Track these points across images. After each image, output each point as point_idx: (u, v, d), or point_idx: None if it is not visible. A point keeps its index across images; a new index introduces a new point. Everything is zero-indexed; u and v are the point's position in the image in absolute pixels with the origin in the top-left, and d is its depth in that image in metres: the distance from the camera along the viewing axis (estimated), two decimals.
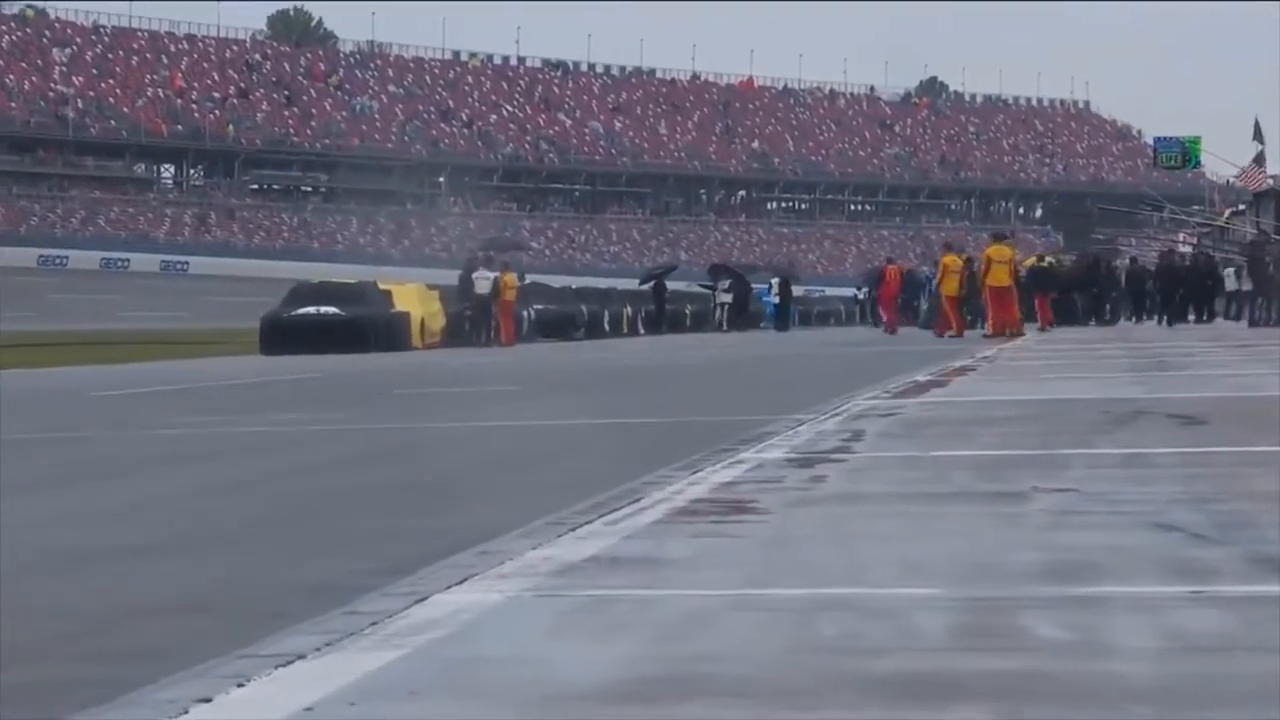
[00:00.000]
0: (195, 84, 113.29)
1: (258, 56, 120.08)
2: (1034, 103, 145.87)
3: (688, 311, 55.58)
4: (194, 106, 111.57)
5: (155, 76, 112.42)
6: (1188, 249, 59.85)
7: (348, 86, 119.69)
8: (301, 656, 3.58)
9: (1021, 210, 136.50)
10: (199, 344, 39.84)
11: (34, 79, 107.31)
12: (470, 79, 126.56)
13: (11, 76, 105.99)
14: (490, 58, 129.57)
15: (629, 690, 3.24)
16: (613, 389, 18.03)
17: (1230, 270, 44.53)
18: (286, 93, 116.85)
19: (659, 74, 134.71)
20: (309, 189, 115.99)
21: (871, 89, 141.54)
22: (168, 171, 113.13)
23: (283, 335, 33.25)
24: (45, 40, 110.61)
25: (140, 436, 12.24)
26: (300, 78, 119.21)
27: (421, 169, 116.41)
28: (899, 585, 4.34)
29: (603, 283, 63.79)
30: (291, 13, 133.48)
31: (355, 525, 6.82)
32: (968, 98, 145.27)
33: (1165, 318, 42.09)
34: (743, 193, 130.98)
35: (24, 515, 7.35)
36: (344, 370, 24.23)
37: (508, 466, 9.23)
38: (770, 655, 3.51)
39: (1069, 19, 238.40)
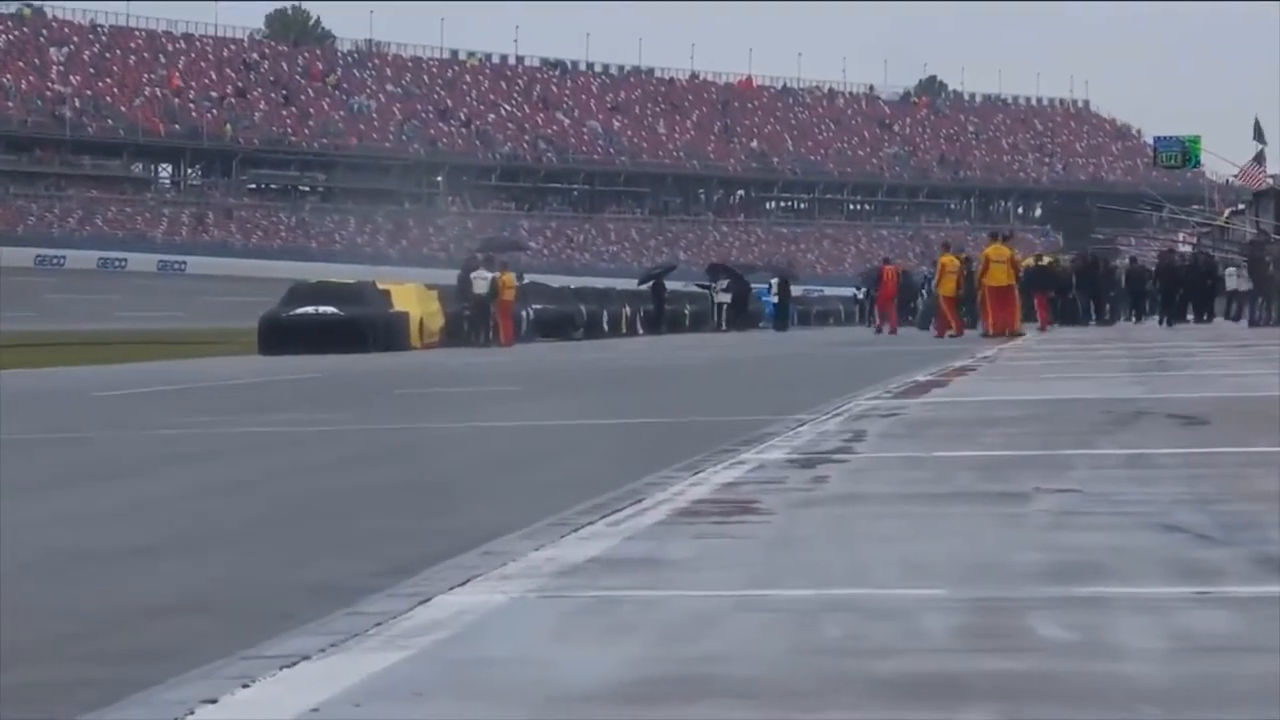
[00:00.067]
0: (193, 83, 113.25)
1: (255, 56, 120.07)
2: (1033, 102, 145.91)
3: (687, 311, 55.59)
4: (191, 106, 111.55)
5: (153, 76, 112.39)
6: (1187, 249, 59.83)
7: (345, 86, 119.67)
8: (306, 657, 3.58)
9: (1021, 210, 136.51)
10: (197, 344, 39.85)
11: (31, 78, 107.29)
12: (468, 78, 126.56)
13: (8, 76, 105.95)
14: (488, 57, 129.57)
15: (633, 691, 3.24)
16: (612, 389, 18.03)
17: (1231, 270, 44.52)
18: (284, 92, 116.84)
19: (658, 73, 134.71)
20: (307, 188, 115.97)
21: (870, 88, 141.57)
22: (165, 171, 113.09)
23: (281, 335, 33.24)
24: (42, 39, 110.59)
25: (140, 437, 12.24)
26: (298, 77, 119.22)
27: (419, 168, 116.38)
28: (903, 586, 4.34)
29: (601, 282, 63.78)
30: (289, 12, 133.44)
31: (356, 525, 6.82)
32: (967, 97, 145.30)
33: (1165, 318, 42.10)
34: (741, 192, 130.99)
35: (24, 515, 7.35)
36: (343, 370, 24.23)
37: (508, 467, 9.23)
38: (774, 656, 3.51)
39: (1069, 19, 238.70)
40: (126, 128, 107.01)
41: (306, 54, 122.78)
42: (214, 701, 3.22)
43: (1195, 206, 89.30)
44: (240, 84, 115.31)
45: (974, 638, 3.69)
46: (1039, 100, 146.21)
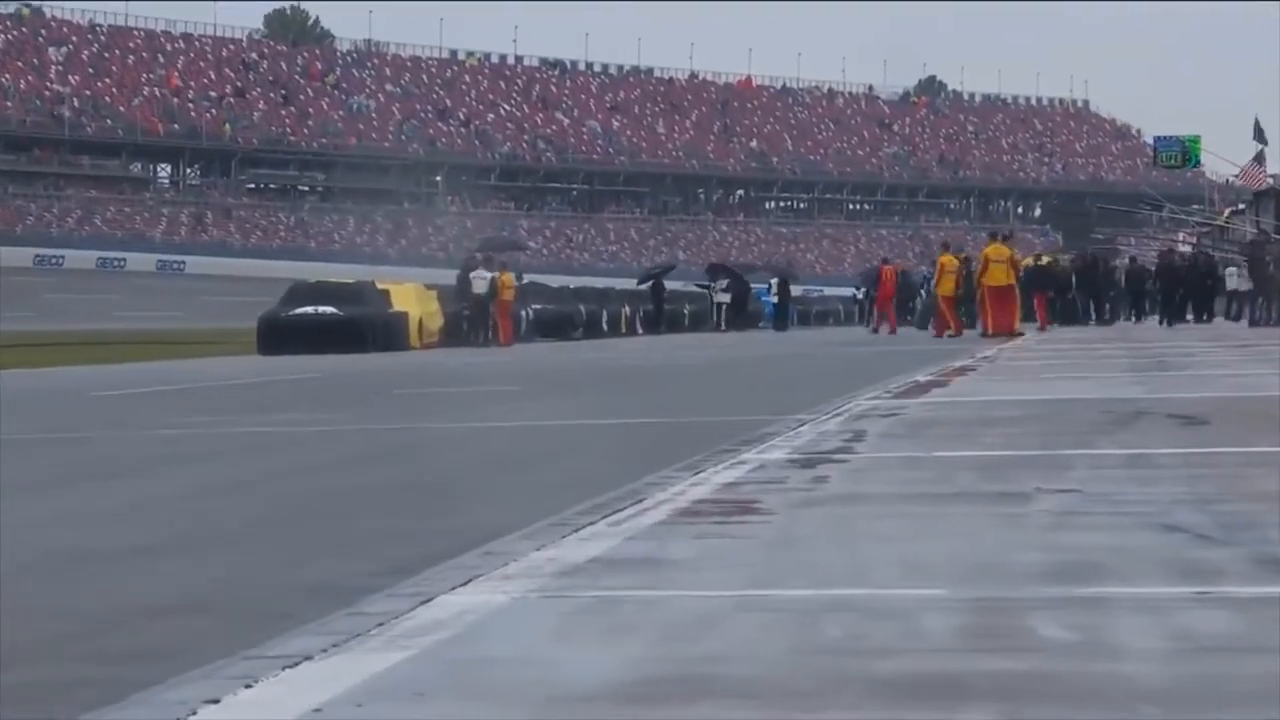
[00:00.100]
0: (192, 83, 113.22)
1: (254, 55, 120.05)
2: (1033, 102, 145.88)
3: (686, 311, 55.59)
4: (190, 105, 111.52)
5: (151, 75, 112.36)
6: (1187, 248, 59.84)
7: (345, 85, 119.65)
8: (308, 657, 3.58)
9: (1020, 210, 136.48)
10: (196, 344, 39.84)
11: (30, 78, 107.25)
12: (467, 78, 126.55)
13: (7, 75, 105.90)
14: (488, 57, 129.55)
15: (635, 691, 3.24)
16: (612, 389, 18.04)
17: (1231, 270, 44.52)
18: (283, 92, 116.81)
19: (657, 73, 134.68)
20: (306, 188, 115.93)
21: (870, 88, 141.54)
22: (164, 171, 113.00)
23: (280, 335, 33.23)
24: (41, 39, 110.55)
25: (140, 437, 12.24)
26: (297, 77, 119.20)
27: (419, 168, 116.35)
28: (903, 586, 4.34)
29: (601, 282, 63.78)
30: (288, 11, 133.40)
31: (356, 526, 6.82)
32: (966, 97, 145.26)
33: (1165, 317, 42.10)
34: (741, 192, 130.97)
35: (25, 515, 7.35)
36: (342, 370, 24.23)
37: (508, 467, 9.23)
38: (775, 656, 3.51)
39: (1068, 18, 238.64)
40: (125, 127, 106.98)
41: (305, 54, 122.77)
42: (216, 701, 3.22)
43: (1195, 206, 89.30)
44: (239, 84, 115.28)
45: (974, 638, 3.69)
46: (1038, 100, 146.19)
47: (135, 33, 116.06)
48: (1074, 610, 3.91)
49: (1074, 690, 3.16)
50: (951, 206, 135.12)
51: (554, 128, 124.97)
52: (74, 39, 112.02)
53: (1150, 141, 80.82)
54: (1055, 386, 14.08)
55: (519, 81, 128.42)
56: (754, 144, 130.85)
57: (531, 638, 3.81)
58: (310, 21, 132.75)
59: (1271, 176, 68.14)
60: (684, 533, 5.42)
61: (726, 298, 52.49)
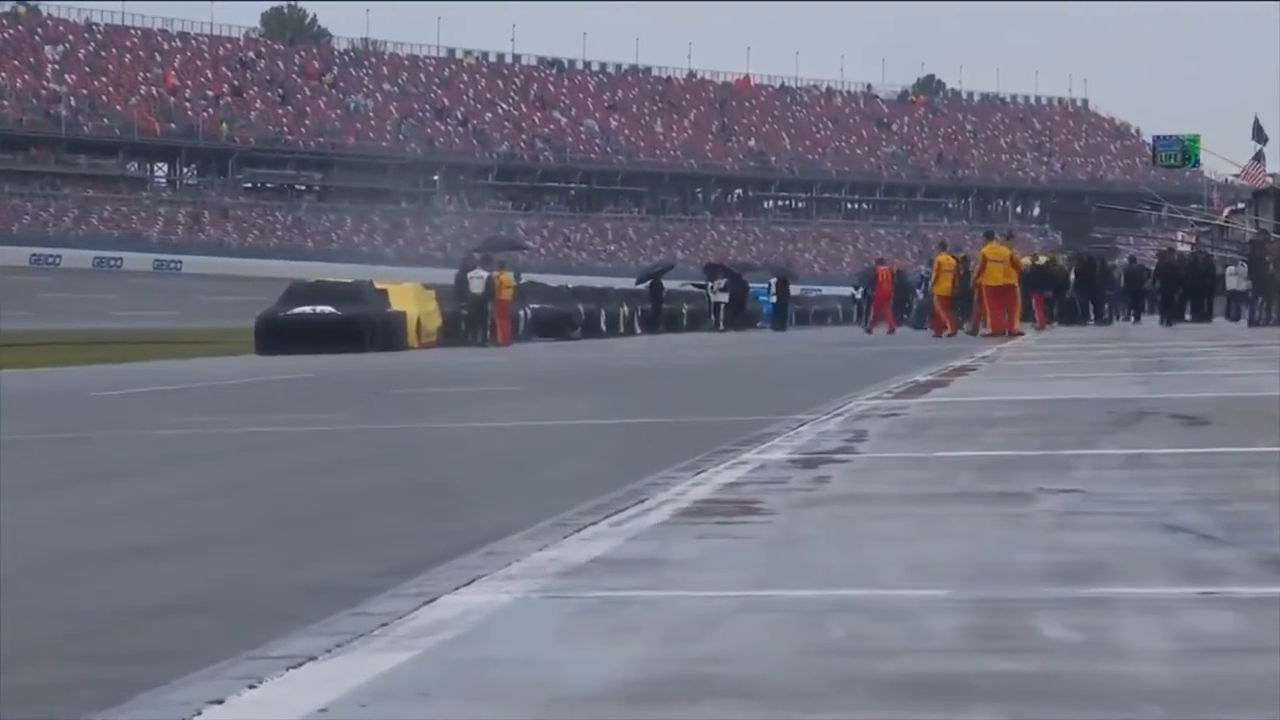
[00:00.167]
0: (189, 82, 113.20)
1: (251, 54, 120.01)
2: (1032, 101, 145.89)
3: (684, 311, 55.58)
4: (187, 104, 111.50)
5: (148, 74, 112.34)
6: (1186, 248, 59.83)
7: (342, 84, 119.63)
8: (312, 658, 3.58)
9: (1020, 209, 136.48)
10: (194, 344, 39.84)
11: (26, 77, 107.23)
12: (465, 77, 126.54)
13: (3, 74, 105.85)
14: (485, 56, 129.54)
15: (638, 692, 3.24)
16: (611, 389, 18.04)
17: (1230, 269, 44.52)
18: (280, 91, 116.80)
19: (655, 72, 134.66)
20: (303, 187, 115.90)
21: (868, 87, 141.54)
22: (161, 170, 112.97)
23: (278, 335, 33.23)
24: (37, 38, 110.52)
25: (140, 437, 12.24)
26: (294, 76, 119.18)
27: (416, 167, 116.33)
28: (906, 586, 4.34)
29: (599, 282, 63.80)
30: (285, 10, 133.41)
31: (357, 526, 6.82)
32: (965, 96, 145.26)
33: (1164, 317, 42.10)
34: (739, 191, 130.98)
35: (25, 516, 7.34)
36: (341, 370, 24.23)
37: (508, 467, 9.22)
38: (778, 656, 3.51)
39: (1068, 17, 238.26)
40: (122, 126, 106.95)
41: (303, 53, 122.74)
42: (221, 702, 3.22)
43: (1194, 206, 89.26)
44: (236, 83, 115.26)
45: (978, 638, 3.69)
46: (1037, 99, 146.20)
47: (132, 31, 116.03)
48: (1078, 611, 3.91)
49: (1078, 691, 3.15)
50: (950, 206, 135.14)
51: (552, 127, 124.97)
52: (70, 38, 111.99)
53: (1149, 141, 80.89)
54: (1056, 386, 14.08)
55: (517, 81, 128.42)
56: (752, 143, 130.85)
57: (535, 638, 3.80)
58: (307, 20, 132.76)
59: (1271, 175, 68.14)
60: (686, 533, 5.42)
61: (724, 297, 52.46)
